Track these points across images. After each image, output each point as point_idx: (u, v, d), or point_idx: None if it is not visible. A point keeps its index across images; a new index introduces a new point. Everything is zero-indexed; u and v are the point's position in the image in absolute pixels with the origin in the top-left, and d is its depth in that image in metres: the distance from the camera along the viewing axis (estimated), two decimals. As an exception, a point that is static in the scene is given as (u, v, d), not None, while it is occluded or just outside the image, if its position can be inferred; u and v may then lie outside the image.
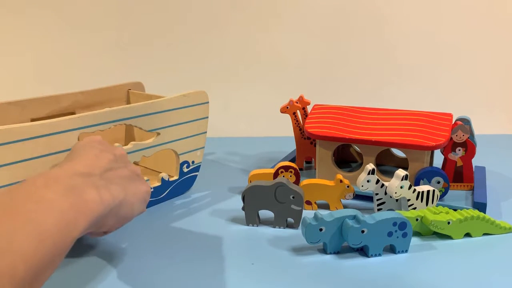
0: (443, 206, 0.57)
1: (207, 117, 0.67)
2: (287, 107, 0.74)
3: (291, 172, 0.65)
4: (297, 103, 0.74)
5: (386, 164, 0.75)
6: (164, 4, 1.01)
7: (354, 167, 0.77)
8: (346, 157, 0.78)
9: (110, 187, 0.39)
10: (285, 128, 0.84)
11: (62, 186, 0.34)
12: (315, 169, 0.71)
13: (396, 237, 0.50)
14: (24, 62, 1.02)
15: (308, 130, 0.68)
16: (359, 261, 0.49)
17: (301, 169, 0.77)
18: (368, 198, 0.64)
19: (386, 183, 0.58)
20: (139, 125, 0.58)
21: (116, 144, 0.53)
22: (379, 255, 0.50)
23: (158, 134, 0.61)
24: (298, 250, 0.52)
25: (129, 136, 0.79)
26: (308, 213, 0.54)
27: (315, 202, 0.62)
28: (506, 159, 0.83)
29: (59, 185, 0.34)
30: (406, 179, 0.56)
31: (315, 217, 0.50)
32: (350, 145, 0.77)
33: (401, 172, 0.56)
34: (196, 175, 0.69)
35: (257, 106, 1.05)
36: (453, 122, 0.65)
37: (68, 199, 0.33)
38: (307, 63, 1.05)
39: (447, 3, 1.00)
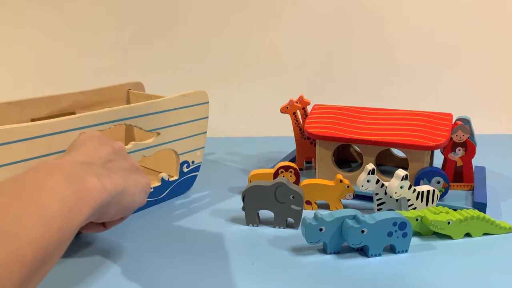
0: (443, 206, 0.57)
1: (207, 117, 0.67)
2: (287, 107, 0.74)
3: (291, 172, 0.65)
4: (297, 103, 0.74)
5: (386, 164, 0.75)
6: (164, 4, 1.01)
7: (354, 167, 0.77)
8: (346, 157, 0.78)
9: (111, 175, 0.39)
10: (285, 128, 0.84)
11: (63, 174, 0.34)
12: (315, 169, 0.71)
13: (396, 237, 0.50)
14: (24, 62, 1.02)
15: (308, 130, 0.68)
16: (359, 261, 0.49)
17: (301, 169, 0.77)
18: (368, 198, 0.64)
19: (386, 183, 0.58)
20: (139, 125, 0.58)
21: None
22: (379, 255, 0.50)
23: (158, 134, 0.61)
24: (298, 250, 0.52)
25: (129, 136, 0.79)
26: (308, 213, 0.54)
27: (315, 202, 0.62)
28: (506, 159, 0.83)
29: (60, 173, 0.34)
30: (406, 179, 0.56)
31: (315, 217, 0.50)
32: (350, 145, 0.77)
33: (401, 172, 0.56)
34: (196, 175, 0.69)
35: (257, 106, 1.05)
36: (453, 122, 0.65)
37: (70, 186, 0.34)
38: (307, 63, 1.05)
39: (447, 3, 1.00)
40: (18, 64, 1.02)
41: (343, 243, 0.51)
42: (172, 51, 1.03)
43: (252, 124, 1.05)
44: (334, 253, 0.51)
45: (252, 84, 1.06)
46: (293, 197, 0.56)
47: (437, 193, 0.57)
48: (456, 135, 0.63)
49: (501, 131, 0.99)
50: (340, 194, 0.61)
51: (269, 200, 0.56)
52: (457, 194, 0.65)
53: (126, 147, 0.58)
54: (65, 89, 0.69)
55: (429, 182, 0.62)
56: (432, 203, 0.57)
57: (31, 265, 0.28)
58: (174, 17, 1.02)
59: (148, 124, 0.59)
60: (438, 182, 0.62)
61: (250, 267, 0.48)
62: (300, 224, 0.55)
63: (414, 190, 0.57)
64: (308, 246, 0.52)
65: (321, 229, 0.49)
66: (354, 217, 0.50)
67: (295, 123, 0.75)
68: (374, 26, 1.02)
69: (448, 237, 0.54)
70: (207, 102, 0.66)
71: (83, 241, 0.54)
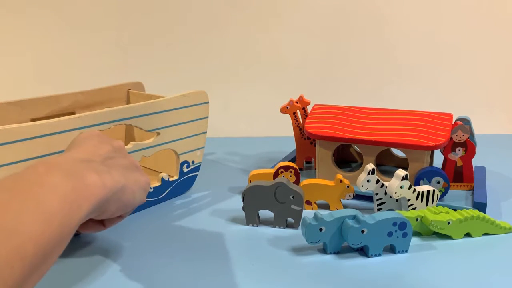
0: (443, 206, 0.57)
1: (207, 117, 0.67)
2: (287, 107, 0.74)
3: (291, 172, 0.65)
4: (297, 103, 0.74)
5: (386, 164, 0.75)
6: (164, 4, 1.01)
7: (354, 167, 0.77)
8: (346, 157, 0.78)
9: (111, 172, 0.39)
10: (285, 128, 0.84)
11: (63, 171, 0.34)
12: (315, 169, 0.71)
13: (396, 237, 0.50)
14: (24, 62, 1.02)
15: (308, 130, 0.68)
16: (359, 261, 0.49)
17: (301, 169, 0.77)
18: (368, 198, 0.64)
19: (386, 183, 0.58)
20: (139, 125, 0.58)
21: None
22: (379, 255, 0.50)
23: (158, 134, 0.61)
24: (298, 250, 0.52)
25: (129, 136, 0.79)
26: (308, 213, 0.54)
27: (315, 202, 0.62)
28: (506, 159, 0.83)
29: (60, 170, 0.34)
30: (406, 179, 0.56)
31: (315, 217, 0.50)
32: (350, 145, 0.77)
33: (401, 172, 0.56)
34: (196, 175, 0.69)
35: (257, 106, 1.05)
36: (453, 122, 0.65)
37: (70, 183, 0.34)
38: (307, 63, 1.05)
39: (447, 3, 1.00)
40: (18, 64, 1.02)
41: (343, 243, 0.51)
42: (172, 51, 1.03)
43: (252, 124, 1.05)
44: (334, 253, 0.51)
45: (252, 84, 1.06)
46: (293, 197, 0.56)
47: (437, 193, 0.57)
48: (456, 135, 0.63)
49: (501, 131, 0.99)
50: (340, 194, 0.61)
51: (269, 200, 0.56)
52: (457, 194, 0.65)
53: (126, 147, 0.58)
54: (65, 89, 0.69)
55: (429, 182, 0.62)
56: (432, 203, 0.57)
57: (32, 261, 0.28)
58: (174, 17, 1.02)
59: (148, 124, 0.59)
60: (438, 182, 0.62)
61: (250, 267, 0.48)
62: (300, 224, 0.55)
63: (414, 190, 0.57)
64: (308, 246, 0.52)
65: (321, 229, 0.49)
66: (354, 217, 0.50)
67: (295, 123, 0.75)
68: (374, 26, 1.02)
69: (448, 237, 0.54)
70: (207, 102, 0.66)
71: (83, 240, 0.54)
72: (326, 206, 0.63)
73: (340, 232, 0.50)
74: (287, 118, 0.77)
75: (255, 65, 1.06)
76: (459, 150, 0.64)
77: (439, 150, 0.64)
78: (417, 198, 0.57)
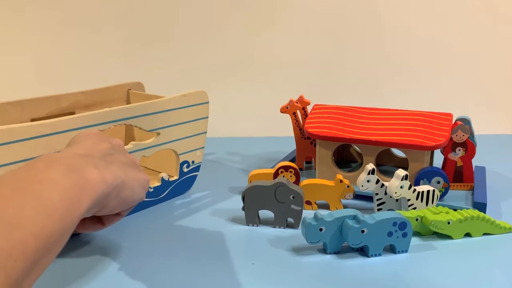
0: (443, 206, 0.57)
1: (207, 117, 0.67)
2: (287, 107, 0.74)
3: (291, 172, 0.65)
4: (297, 103, 0.74)
5: (386, 164, 0.75)
6: (164, 4, 1.01)
7: (354, 167, 0.77)
8: (346, 157, 0.78)
9: (111, 167, 0.39)
10: (285, 128, 0.84)
11: (63, 166, 0.34)
12: (315, 169, 0.71)
13: (396, 237, 0.50)
14: (24, 62, 1.02)
15: (308, 130, 0.68)
16: (359, 261, 0.49)
17: (301, 169, 0.77)
18: (368, 198, 0.64)
19: (386, 183, 0.58)
20: (139, 125, 0.58)
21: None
22: (379, 255, 0.50)
23: (158, 134, 0.61)
24: (298, 250, 0.52)
25: (129, 136, 0.79)
26: (308, 213, 0.54)
27: (315, 202, 0.62)
28: (506, 159, 0.83)
29: (60, 166, 0.34)
30: (406, 179, 0.56)
31: (315, 217, 0.50)
32: (350, 145, 0.77)
33: (401, 172, 0.56)
34: (196, 175, 0.69)
35: (257, 106, 1.05)
36: (453, 122, 0.65)
37: (70, 178, 0.34)
38: (307, 63, 1.05)
39: (447, 3, 1.00)
40: (18, 64, 1.02)
41: (343, 243, 0.51)
42: (172, 51, 1.03)
43: (252, 124, 1.05)
44: (334, 253, 0.51)
45: (252, 84, 1.06)
46: (293, 197, 0.56)
47: (437, 193, 0.57)
48: (456, 135, 0.63)
49: (501, 131, 0.99)
50: (340, 194, 0.61)
51: (269, 200, 0.56)
52: (457, 194, 0.65)
53: (126, 147, 0.58)
54: (65, 89, 0.69)
55: (429, 182, 0.62)
56: (432, 203, 0.57)
57: (33, 255, 0.28)
58: (174, 17, 1.02)
59: (148, 124, 0.59)
60: (438, 182, 0.62)
61: (250, 267, 0.48)
62: (300, 224, 0.55)
63: (414, 190, 0.57)
64: (308, 246, 0.52)
65: (321, 229, 0.49)
66: (354, 217, 0.50)
67: (295, 123, 0.75)
68: (374, 26, 1.02)
69: (448, 237, 0.54)
70: (207, 102, 0.66)
71: (82, 240, 0.54)
72: (326, 206, 0.63)
73: (340, 232, 0.50)
74: (287, 118, 0.77)
75: (255, 65, 1.06)
76: (459, 150, 0.64)
77: (439, 150, 0.64)
78: (417, 198, 0.57)
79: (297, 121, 0.75)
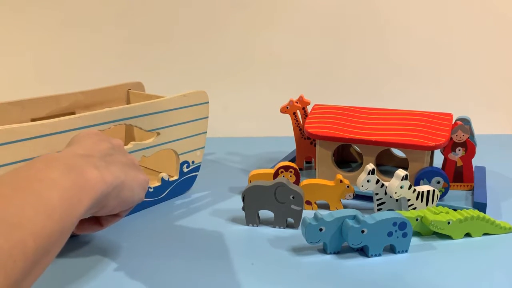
0: (443, 206, 0.57)
1: (207, 117, 0.67)
2: (287, 107, 0.74)
3: (291, 172, 0.65)
4: (297, 103, 0.74)
5: (386, 164, 0.75)
6: (164, 4, 1.01)
7: (354, 167, 0.77)
8: (346, 157, 0.78)
9: (110, 167, 0.39)
10: (285, 128, 0.84)
11: (63, 166, 0.34)
12: (315, 169, 0.71)
13: (396, 237, 0.50)
14: (24, 62, 1.02)
15: (308, 130, 0.68)
16: (359, 261, 0.49)
17: (301, 169, 0.77)
18: (368, 198, 0.64)
19: (386, 183, 0.58)
20: (139, 125, 0.58)
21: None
22: (379, 255, 0.50)
23: (158, 134, 0.61)
24: (298, 250, 0.52)
25: (129, 136, 0.79)
26: (308, 213, 0.54)
27: (315, 202, 0.62)
28: (506, 159, 0.83)
29: (60, 165, 0.34)
30: (406, 179, 0.56)
31: (315, 217, 0.50)
32: (350, 145, 0.77)
33: (401, 172, 0.56)
34: (196, 175, 0.69)
35: (257, 106, 1.05)
36: (453, 122, 0.65)
37: (70, 177, 0.34)
38: (307, 63, 1.05)
39: (447, 3, 1.00)
40: (18, 64, 1.02)
41: (343, 243, 0.51)
42: (172, 51, 1.03)
43: (252, 124, 1.05)
44: (334, 253, 0.51)
45: (252, 84, 1.06)
46: (293, 197, 0.56)
47: (437, 193, 0.57)
48: (456, 135, 0.63)
49: (501, 131, 0.99)
50: (340, 194, 0.61)
51: (269, 200, 0.56)
52: (457, 194, 0.65)
53: (126, 147, 0.58)
54: (65, 89, 0.69)
55: (429, 182, 0.62)
56: (432, 203, 0.57)
57: (33, 255, 0.28)
58: (174, 17, 1.02)
59: (148, 124, 0.59)
60: (438, 182, 0.62)
61: (250, 267, 0.48)
62: (300, 224, 0.55)
63: (414, 190, 0.57)
64: (308, 246, 0.52)
65: (321, 229, 0.49)
66: (354, 217, 0.50)
67: (295, 123, 0.75)
68: (374, 26, 1.02)
69: (448, 237, 0.54)
70: (207, 102, 0.66)
71: (82, 240, 0.54)
72: (326, 206, 0.63)
73: (340, 232, 0.50)
74: (287, 118, 0.77)
75: (255, 65, 1.06)
76: (459, 150, 0.64)
77: (439, 150, 0.64)
78: (417, 198, 0.57)
79: (297, 121, 0.75)
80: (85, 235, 0.55)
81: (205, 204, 0.65)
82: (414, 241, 0.53)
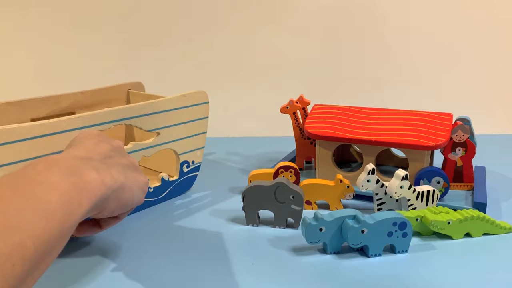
0: (443, 206, 0.57)
1: (207, 117, 0.67)
2: (287, 107, 0.74)
3: (291, 172, 0.65)
4: (297, 103, 0.74)
5: (386, 164, 0.75)
6: (164, 4, 1.01)
7: (354, 167, 0.77)
8: (346, 157, 0.78)
9: (110, 170, 0.39)
10: (285, 128, 0.84)
11: (63, 169, 0.34)
12: (315, 169, 0.71)
13: (396, 237, 0.50)
14: (24, 62, 1.02)
15: (308, 130, 0.68)
16: (359, 261, 0.49)
17: (301, 169, 0.77)
18: (368, 198, 0.64)
19: (386, 183, 0.58)
20: (139, 125, 0.58)
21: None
22: (379, 255, 0.50)
23: (158, 134, 0.61)
24: (298, 250, 0.52)
25: (129, 136, 0.79)
26: (308, 213, 0.54)
27: (315, 202, 0.62)
28: (506, 159, 0.83)
29: (60, 168, 0.34)
30: (406, 179, 0.56)
31: (315, 217, 0.50)
32: (350, 145, 0.77)
33: (401, 172, 0.56)
34: (196, 175, 0.69)
35: (257, 106, 1.05)
36: (453, 122, 0.65)
37: (70, 180, 0.34)
38: (307, 63, 1.05)
39: (447, 3, 1.00)
40: (18, 64, 1.02)
41: (343, 243, 0.51)
42: (172, 51, 1.03)
43: (252, 124, 1.05)
44: (334, 253, 0.51)
45: (252, 84, 1.06)
46: (293, 197, 0.56)
47: (437, 193, 0.57)
48: (456, 135, 0.63)
49: (501, 131, 0.99)
50: (340, 194, 0.61)
51: (269, 200, 0.56)
52: (457, 194, 0.65)
53: (126, 147, 0.58)
54: (65, 89, 0.69)
55: (429, 182, 0.62)
56: (432, 203, 0.57)
57: (32, 258, 0.28)
58: (174, 17, 1.02)
59: (148, 124, 0.59)
60: (438, 182, 0.62)
61: (250, 267, 0.48)
62: (300, 224, 0.55)
63: (414, 190, 0.57)
64: (308, 246, 0.52)
65: (321, 229, 0.49)
66: (354, 217, 0.50)
67: (295, 123, 0.75)
68: (374, 26, 1.02)
69: (448, 237, 0.54)
70: (207, 102, 0.66)
71: (82, 240, 0.54)
72: (326, 206, 0.63)
73: (340, 232, 0.50)
74: (287, 118, 0.77)
75: (255, 65, 1.06)
76: (459, 150, 0.64)
77: (439, 150, 0.64)
78: (417, 198, 0.57)
79: (297, 121, 0.75)
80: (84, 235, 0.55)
81: (205, 204, 0.65)
82: (414, 241, 0.53)
